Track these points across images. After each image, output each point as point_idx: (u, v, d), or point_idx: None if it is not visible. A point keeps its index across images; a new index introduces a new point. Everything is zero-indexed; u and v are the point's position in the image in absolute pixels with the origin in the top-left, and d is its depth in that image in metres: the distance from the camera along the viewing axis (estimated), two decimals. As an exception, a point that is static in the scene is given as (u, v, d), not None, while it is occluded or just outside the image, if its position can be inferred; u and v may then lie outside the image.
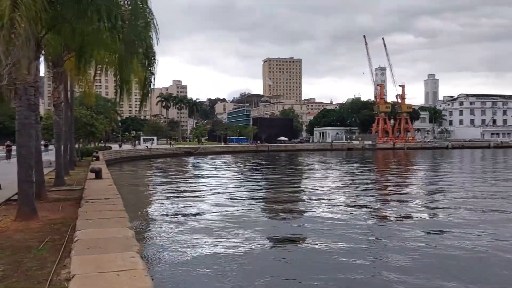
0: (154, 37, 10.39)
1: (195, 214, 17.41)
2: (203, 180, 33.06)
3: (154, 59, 10.63)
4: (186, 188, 27.36)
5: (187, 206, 19.71)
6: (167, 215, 17.46)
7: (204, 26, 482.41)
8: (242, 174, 40.55)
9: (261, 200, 22.59)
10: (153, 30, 10.23)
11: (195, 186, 28.39)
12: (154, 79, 10.72)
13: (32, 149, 9.67)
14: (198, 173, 40.86)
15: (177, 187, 28.54)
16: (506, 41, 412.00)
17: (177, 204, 20.70)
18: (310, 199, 22.98)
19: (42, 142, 52.14)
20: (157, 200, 22.01)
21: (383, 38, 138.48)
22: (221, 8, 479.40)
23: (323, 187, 28.25)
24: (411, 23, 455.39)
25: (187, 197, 22.97)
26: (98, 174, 18.93)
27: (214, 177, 35.19)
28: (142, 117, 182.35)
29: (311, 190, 26.98)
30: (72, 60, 17.67)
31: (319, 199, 22.65)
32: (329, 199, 22.46)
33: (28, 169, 9.52)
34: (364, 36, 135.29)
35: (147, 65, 10.51)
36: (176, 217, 16.98)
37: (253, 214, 18.04)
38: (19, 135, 9.37)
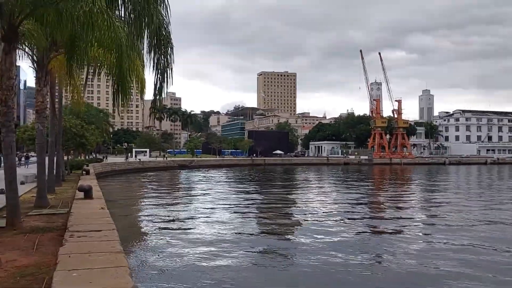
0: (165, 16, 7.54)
1: (205, 258, 13.40)
2: (203, 201, 29.62)
3: (170, 42, 7.77)
4: (188, 213, 23.73)
5: (195, 241, 15.88)
6: (176, 257, 13.44)
7: (198, 40, 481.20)
8: (241, 192, 37.72)
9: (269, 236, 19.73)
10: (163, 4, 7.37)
11: (197, 210, 24.81)
12: (171, 72, 7.69)
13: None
14: (196, 191, 37.36)
15: (178, 209, 25.29)
16: (495, 59, 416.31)
17: (183, 236, 16.93)
18: (306, 220, 20.98)
19: (24, 153, 49.00)
20: (158, 231, 18.03)
21: (379, 53, 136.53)
22: (215, 23, 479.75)
23: (323, 207, 25.86)
24: (403, 39, 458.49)
25: (190, 226, 19.25)
26: (87, 193, 16.08)
27: (213, 197, 31.98)
28: (134, 129, 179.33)
29: (310, 210, 24.64)
30: (60, 59, 15.03)
31: (317, 220, 21.00)
32: (329, 226, 19.90)
33: (-13, 196, 6.69)
34: (361, 51, 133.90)
35: (158, 52, 7.60)
36: (188, 263, 12.89)
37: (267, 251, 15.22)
38: (-25, 146, 6.57)
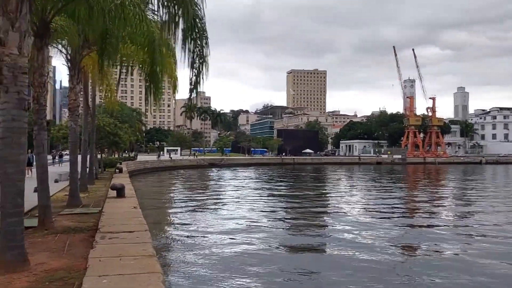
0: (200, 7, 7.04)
1: (237, 266, 12.53)
2: (234, 201, 28.75)
3: (205, 35, 7.27)
4: (220, 214, 22.95)
5: (227, 247, 15.04)
6: (209, 263, 12.71)
7: (227, 39, 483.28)
8: (271, 194, 37.17)
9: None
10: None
11: (228, 211, 24.09)
12: (207, 66, 7.18)
13: (22, 166, 6.58)
14: (227, 191, 36.59)
15: (210, 210, 24.74)
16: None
17: (215, 239, 16.22)
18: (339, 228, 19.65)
19: (58, 152, 50.19)
20: (190, 233, 17.39)
21: (413, 49, 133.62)
22: (244, 21, 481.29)
23: (356, 212, 24.34)
24: (437, 35, 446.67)
25: (222, 230, 18.29)
26: (120, 192, 15.92)
27: (245, 198, 31.01)
28: (166, 128, 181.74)
29: (343, 216, 22.89)
30: (93, 56, 14.90)
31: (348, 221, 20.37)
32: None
33: (16, 197, 6.41)
34: (394, 47, 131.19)
35: (193, 45, 7.09)
36: (220, 271, 12.05)
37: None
38: (3, 144, 6.29)
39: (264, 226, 19.03)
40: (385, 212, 24.17)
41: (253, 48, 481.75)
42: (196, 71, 7.17)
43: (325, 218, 22.42)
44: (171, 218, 22.21)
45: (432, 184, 48.01)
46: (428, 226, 19.91)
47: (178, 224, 20.18)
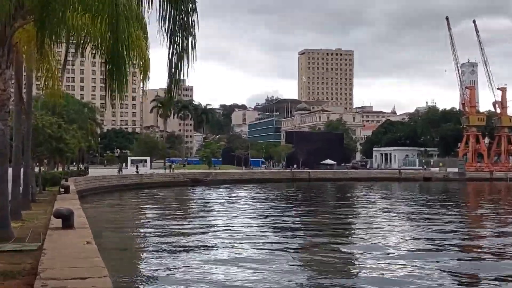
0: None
1: None
2: (228, 233, 28.70)
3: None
4: (203, 256, 22.50)
5: None
6: None
7: (217, 7, 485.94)
8: (276, 230, 36.99)
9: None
10: None
11: (222, 253, 23.34)
12: (194, 43, 6.96)
13: None
14: (217, 219, 36.77)
15: (193, 245, 24.73)
16: None
17: None
18: None
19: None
20: (167, 282, 17.53)
21: (474, 21, 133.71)
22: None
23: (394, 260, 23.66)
24: (507, 2, 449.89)
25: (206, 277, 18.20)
26: (67, 221, 15.77)
27: (237, 235, 30.01)
28: (130, 130, 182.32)
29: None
30: (29, 29, 14.84)
31: None
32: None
33: None
34: (447, 18, 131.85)
35: (175, 10, 6.86)
36: None
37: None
38: None
39: (269, 277, 18.65)
40: (438, 253, 23.82)
41: (252, 19, 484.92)
42: (178, 49, 6.98)
43: (355, 262, 22.20)
44: (138, 260, 22.23)
45: (503, 210, 47.77)
46: (499, 278, 19.54)
47: (149, 270, 20.07)
